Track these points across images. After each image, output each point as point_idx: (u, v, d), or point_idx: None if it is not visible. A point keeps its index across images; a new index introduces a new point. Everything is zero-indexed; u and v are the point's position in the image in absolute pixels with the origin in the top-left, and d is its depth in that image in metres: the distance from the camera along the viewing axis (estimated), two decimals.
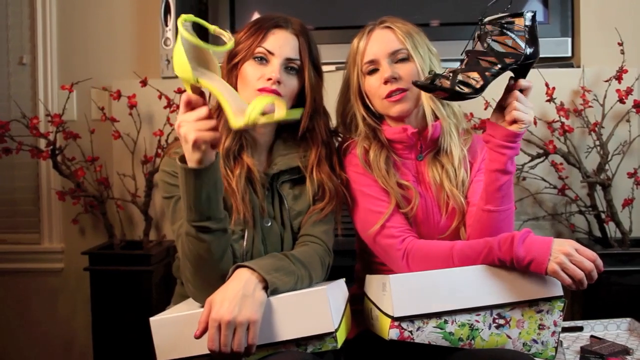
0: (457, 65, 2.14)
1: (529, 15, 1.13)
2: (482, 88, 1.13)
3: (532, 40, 1.13)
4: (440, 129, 1.37)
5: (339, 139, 1.48)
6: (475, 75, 1.13)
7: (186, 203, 1.11)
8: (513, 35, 1.12)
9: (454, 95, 1.13)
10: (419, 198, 1.37)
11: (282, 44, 1.29)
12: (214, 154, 1.08)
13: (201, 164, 1.06)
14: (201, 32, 1.10)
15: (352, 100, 1.41)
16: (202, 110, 1.05)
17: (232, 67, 1.31)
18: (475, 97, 1.14)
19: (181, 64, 1.04)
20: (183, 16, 1.05)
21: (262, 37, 1.29)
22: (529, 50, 1.13)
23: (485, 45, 1.13)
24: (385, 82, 1.33)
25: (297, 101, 1.35)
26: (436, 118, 1.37)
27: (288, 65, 1.30)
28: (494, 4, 1.16)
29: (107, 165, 2.21)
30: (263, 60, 1.29)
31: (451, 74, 1.14)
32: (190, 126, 1.03)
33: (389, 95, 1.33)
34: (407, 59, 1.34)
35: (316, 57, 1.36)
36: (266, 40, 1.29)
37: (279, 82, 1.26)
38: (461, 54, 1.17)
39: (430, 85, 1.14)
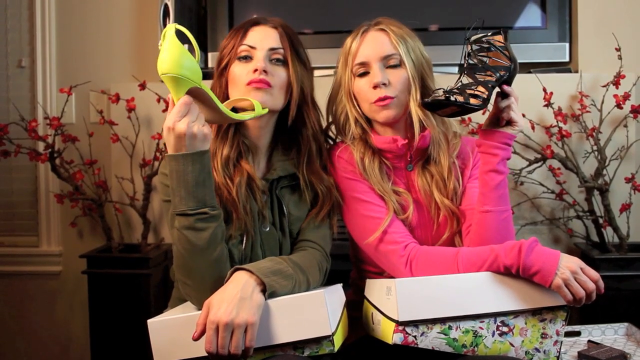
0: (454, 69, 2.15)
1: (503, 33, 1.25)
2: (488, 99, 1.21)
3: (511, 54, 1.25)
4: (430, 138, 1.36)
5: (330, 140, 1.47)
6: (481, 88, 1.20)
7: (184, 192, 1.13)
8: (499, 51, 1.23)
9: (465, 109, 1.20)
10: (413, 205, 1.37)
11: (262, 37, 1.31)
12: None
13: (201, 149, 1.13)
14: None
15: (345, 101, 1.40)
16: (197, 108, 1.14)
17: (220, 73, 1.33)
18: (482, 109, 1.21)
19: (193, 68, 1.11)
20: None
21: (242, 35, 1.31)
22: (513, 63, 1.25)
23: (477, 61, 1.23)
24: (375, 87, 1.32)
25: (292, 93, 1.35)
26: (424, 127, 1.36)
27: (272, 57, 1.31)
28: (472, 23, 1.26)
29: (106, 169, 2.21)
30: (248, 57, 1.30)
31: (457, 90, 1.20)
32: (192, 122, 1.12)
33: (376, 100, 1.33)
34: (398, 65, 1.33)
35: (299, 47, 1.35)
36: (246, 37, 1.31)
37: (265, 72, 1.27)
38: (458, 71, 1.23)
39: (445, 100, 1.19)
